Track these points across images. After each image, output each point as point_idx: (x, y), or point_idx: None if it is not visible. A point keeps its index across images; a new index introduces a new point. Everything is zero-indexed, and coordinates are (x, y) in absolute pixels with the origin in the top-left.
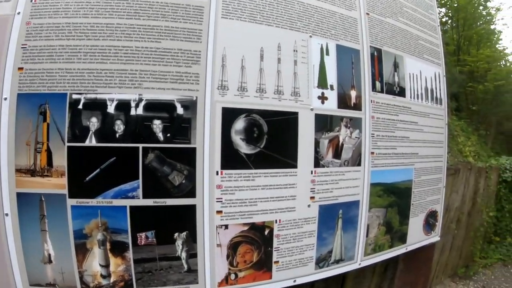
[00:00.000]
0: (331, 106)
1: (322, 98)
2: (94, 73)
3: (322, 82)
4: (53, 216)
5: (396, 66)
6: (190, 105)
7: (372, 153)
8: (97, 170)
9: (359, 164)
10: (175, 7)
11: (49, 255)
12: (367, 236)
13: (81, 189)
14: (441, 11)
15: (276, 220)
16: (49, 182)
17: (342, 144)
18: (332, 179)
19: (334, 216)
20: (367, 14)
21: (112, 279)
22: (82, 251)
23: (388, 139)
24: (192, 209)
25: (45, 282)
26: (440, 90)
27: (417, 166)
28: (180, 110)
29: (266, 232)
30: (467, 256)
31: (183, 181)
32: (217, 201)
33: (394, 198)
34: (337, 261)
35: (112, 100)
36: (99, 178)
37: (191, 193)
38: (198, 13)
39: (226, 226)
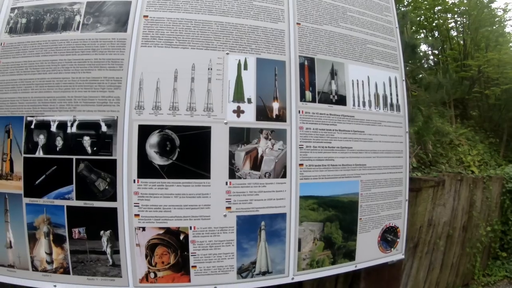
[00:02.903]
0: (248, 119)
1: (238, 111)
2: (42, 100)
3: (238, 96)
4: (13, 211)
5: (334, 73)
6: (112, 124)
7: (301, 164)
8: (43, 176)
9: (284, 176)
10: (103, 42)
11: (10, 241)
12: (299, 250)
13: (33, 190)
14: (448, 16)
15: (190, 227)
16: (11, 184)
17: (262, 156)
18: (251, 190)
19: (255, 227)
20: (298, 24)
21: (54, 265)
22: (33, 240)
23: (322, 150)
24: (114, 211)
25: (7, 263)
26: (397, 95)
27: (365, 178)
28: (104, 128)
29: (181, 237)
30: (466, 274)
31: (106, 187)
32: (134, 206)
33: (333, 212)
34: (263, 273)
35: (54, 121)
36: (45, 182)
37: (113, 198)
38: (121, 45)
39: (144, 228)
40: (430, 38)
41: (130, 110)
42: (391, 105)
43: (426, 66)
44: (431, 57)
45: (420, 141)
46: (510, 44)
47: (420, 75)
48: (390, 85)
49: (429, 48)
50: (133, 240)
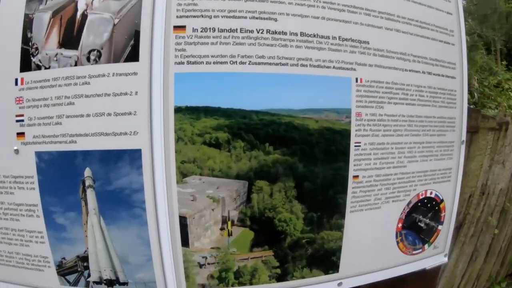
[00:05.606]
0: None
1: None
2: None
3: None
4: None
5: None
6: None
7: (180, 28)
8: None
9: (133, 59)
10: None
11: None
12: (186, 245)
13: None
14: None
15: None
16: None
17: (85, 15)
18: (59, 94)
19: (75, 180)
20: None
21: None
22: None
23: None
24: None
25: None
26: None
27: (366, 75)
28: None
29: None
30: None
31: None
32: None
33: (278, 154)
34: (108, 283)
35: None
36: None
37: None
38: None
39: None
40: None
41: None
42: None
43: None
44: None
45: None
46: None
47: None
48: None
49: None
50: None
